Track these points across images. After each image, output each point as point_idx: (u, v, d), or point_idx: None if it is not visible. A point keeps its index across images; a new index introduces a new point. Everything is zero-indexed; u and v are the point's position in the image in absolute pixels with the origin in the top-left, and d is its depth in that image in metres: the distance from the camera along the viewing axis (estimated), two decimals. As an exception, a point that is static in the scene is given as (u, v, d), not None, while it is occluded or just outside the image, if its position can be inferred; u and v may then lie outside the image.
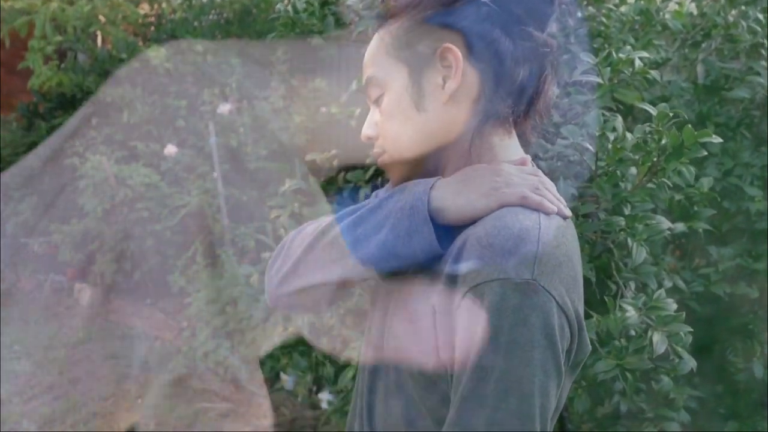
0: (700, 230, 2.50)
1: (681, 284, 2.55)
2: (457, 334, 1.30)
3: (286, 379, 5.48)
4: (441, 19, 1.42)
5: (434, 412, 1.40)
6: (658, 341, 2.00)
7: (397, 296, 1.50)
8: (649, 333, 2.03)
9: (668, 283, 2.48)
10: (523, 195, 1.35)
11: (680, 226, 2.43)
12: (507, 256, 1.26)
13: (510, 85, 1.44)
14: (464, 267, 1.30)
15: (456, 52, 1.40)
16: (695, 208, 2.49)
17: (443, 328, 1.34)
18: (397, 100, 1.46)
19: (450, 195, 1.40)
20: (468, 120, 1.44)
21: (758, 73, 2.90)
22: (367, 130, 1.54)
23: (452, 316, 1.32)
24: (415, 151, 1.47)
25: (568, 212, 1.42)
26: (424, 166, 1.49)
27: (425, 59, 1.43)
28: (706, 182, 2.38)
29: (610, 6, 2.82)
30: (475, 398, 1.24)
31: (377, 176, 2.91)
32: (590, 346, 1.45)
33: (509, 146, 1.50)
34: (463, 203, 1.38)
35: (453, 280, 1.33)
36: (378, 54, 1.50)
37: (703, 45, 3.09)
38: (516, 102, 1.46)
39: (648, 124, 2.08)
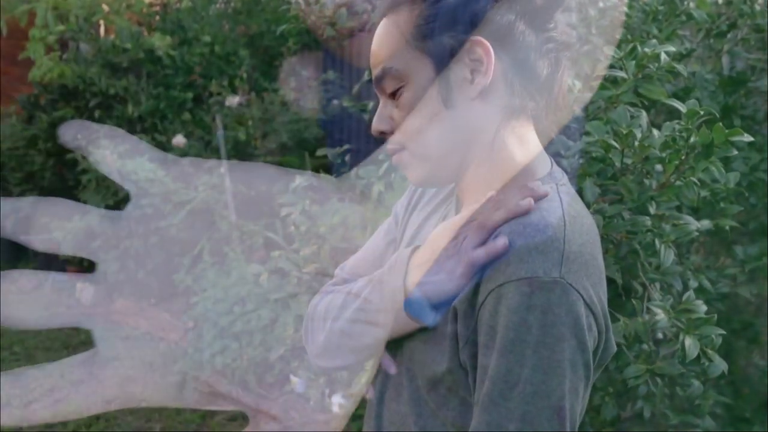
0: (727, 227, 2.49)
1: (707, 284, 2.54)
2: (480, 334, 1.31)
3: (297, 382, 5.49)
4: (464, 9, 1.40)
5: (451, 416, 1.41)
6: (691, 345, 2.00)
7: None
8: (681, 337, 2.03)
9: (694, 283, 2.48)
10: (474, 262, 1.34)
11: (706, 224, 2.42)
12: (533, 254, 1.26)
13: (533, 79, 1.44)
14: (489, 266, 1.31)
15: (487, 46, 1.38)
16: (721, 205, 2.48)
17: (463, 332, 1.36)
18: (422, 95, 1.44)
19: (426, 279, 1.42)
20: (494, 115, 1.44)
21: (786, 64, 2.90)
22: (380, 125, 1.52)
23: (474, 316, 1.33)
24: (441, 149, 1.46)
25: (527, 204, 1.37)
26: (447, 164, 1.48)
27: (452, 52, 1.41)
28: (732, 177, 2.37)
29: (633, -5, 2.81)
30: (503, 400, 1.25)
31: (391, 172, 2.91)
32: (615, 346, 1.45)
33: (530, 141, 1.50)
34: (441, 288, 1.40)
35: (478, 280, 1.34)
36: (395, 43, 1.46)
37: (729, 35, 3.09)
38: (538, 96, 1.46)
39: (677, 121, 2.08)
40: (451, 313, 1.38)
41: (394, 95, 1.47)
